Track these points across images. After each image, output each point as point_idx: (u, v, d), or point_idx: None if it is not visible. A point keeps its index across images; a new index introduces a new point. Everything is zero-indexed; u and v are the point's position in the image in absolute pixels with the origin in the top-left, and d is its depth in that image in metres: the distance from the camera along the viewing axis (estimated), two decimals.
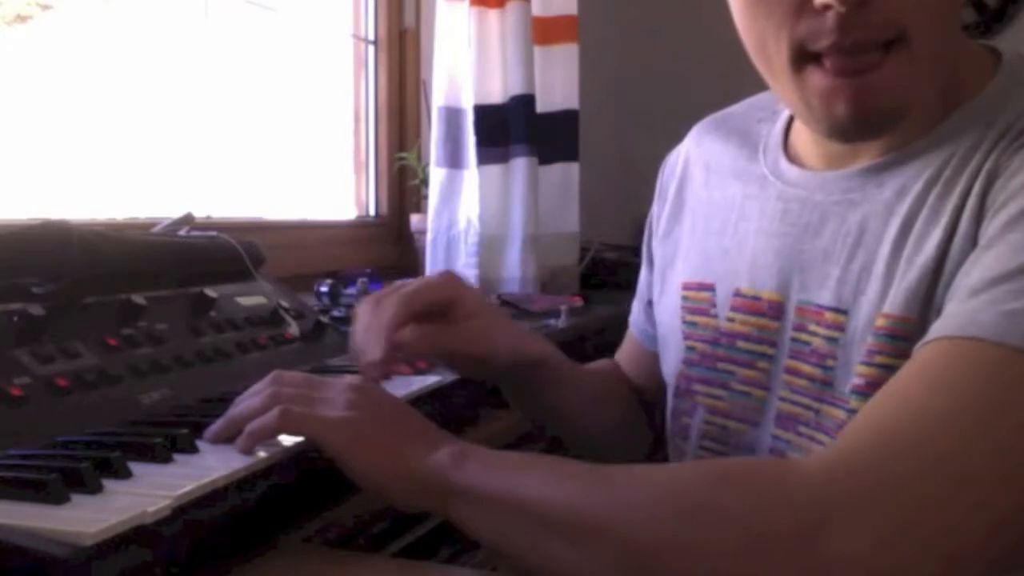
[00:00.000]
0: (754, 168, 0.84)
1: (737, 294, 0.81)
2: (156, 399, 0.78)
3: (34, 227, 0.84)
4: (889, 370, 0.66)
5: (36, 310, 0.76)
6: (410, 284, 0.81)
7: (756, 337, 0.79)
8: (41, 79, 1.35)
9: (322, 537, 0.77)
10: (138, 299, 0.86)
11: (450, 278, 0.84)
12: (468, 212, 1.74)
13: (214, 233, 1.10)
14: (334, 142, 2.05)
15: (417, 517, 0.99)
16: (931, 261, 0.67)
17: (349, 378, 0.73)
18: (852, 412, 0.70)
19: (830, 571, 0.51)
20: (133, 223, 1.35)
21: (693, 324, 0.85)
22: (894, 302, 0.68)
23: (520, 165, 1.73)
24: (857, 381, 0.70)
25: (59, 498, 0.54)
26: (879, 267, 0.71)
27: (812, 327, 0.75)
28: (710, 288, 0.84)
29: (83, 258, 0.84)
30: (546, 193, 1.81)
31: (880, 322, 0.69)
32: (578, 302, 1.51)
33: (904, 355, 0.64)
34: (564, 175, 1.86)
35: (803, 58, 0.68)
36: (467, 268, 1.73)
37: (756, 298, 0.79)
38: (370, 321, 0.78)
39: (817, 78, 0.68)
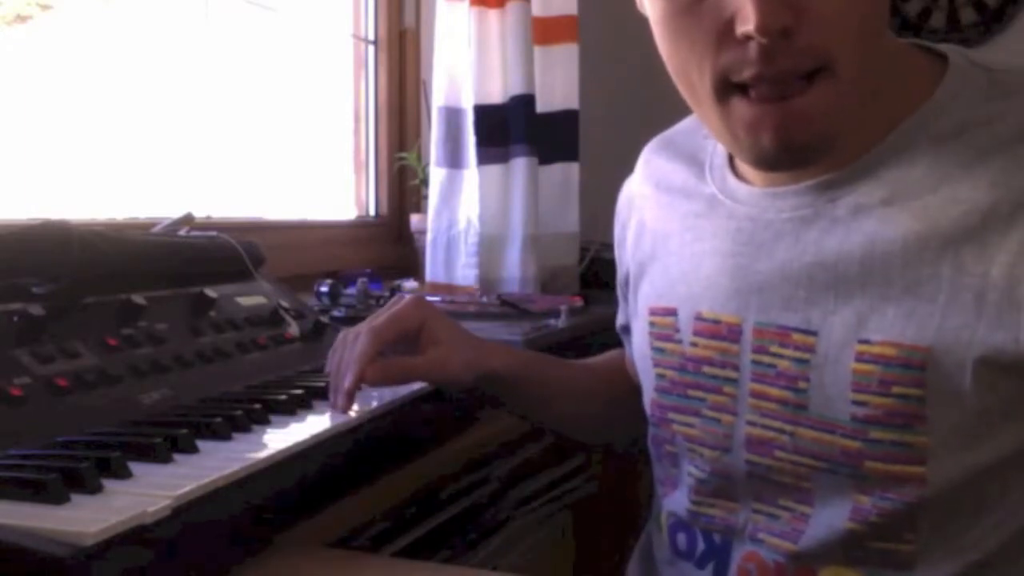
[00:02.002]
0: (703, 187, 0.83)
1: (698, 318, 0.80)
2: (156, 399, 0.78)
3: (34, 227, 0.84)
4: (917, 401, 0.66)
5: (36, 310, 0.76)
6: (380, 317, 0.86)
7: (719, 361, 0.78)
8: (41, 79, 1.34)
9: (322, 537, 0.77)
10: (138, 299, 0.86)
11: (417, 306, 0.88)
12: (468, 212, 1.74)
13: (214, 233, 1.10)
14: (334, 142, 2.05)
15: (418, 517, 0.99)
16: (957, 292, 0.65)
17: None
18: (871, 442, 0.69)
19: None
20: (133, 223, 1.35)
21: (661, 351, 0.84)
22: (893, 329, 0.67)
23: (520, 165, 1.73)
24: (871, 412, 0.68)
25: (59, 498, 0.54)
26: (850, 287, 0.69)
27: (775, 349, 0.74)
28: (673, 313, 0.82)
29: (83, 258, 0.84)
30: (546, 193, 1.81)
31: (891, 352, 0.67)
32: (578, 302, 1.51)
33: (921, 384, 0.65)
34: (564, 175, 1.86)
35: (727, 88, 0.67)
36: (467, 268, 1.73)
37: (716, 321, 0.78)
38: (343, 354, 0.83)
39: (742, 108, 0.67)
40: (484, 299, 1.50)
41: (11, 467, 0.59)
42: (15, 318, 0.75)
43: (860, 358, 0.69)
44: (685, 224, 0.83)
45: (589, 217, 1.84)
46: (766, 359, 0.74)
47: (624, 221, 0.95)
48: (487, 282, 1.71)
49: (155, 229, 1.16)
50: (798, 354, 0.72)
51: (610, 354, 1.06)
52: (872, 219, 0.69)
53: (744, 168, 0.79)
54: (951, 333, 0.65)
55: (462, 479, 1.09)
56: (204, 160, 1.61)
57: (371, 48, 2.11)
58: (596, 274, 1.89)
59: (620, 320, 1.00)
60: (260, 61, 1.77)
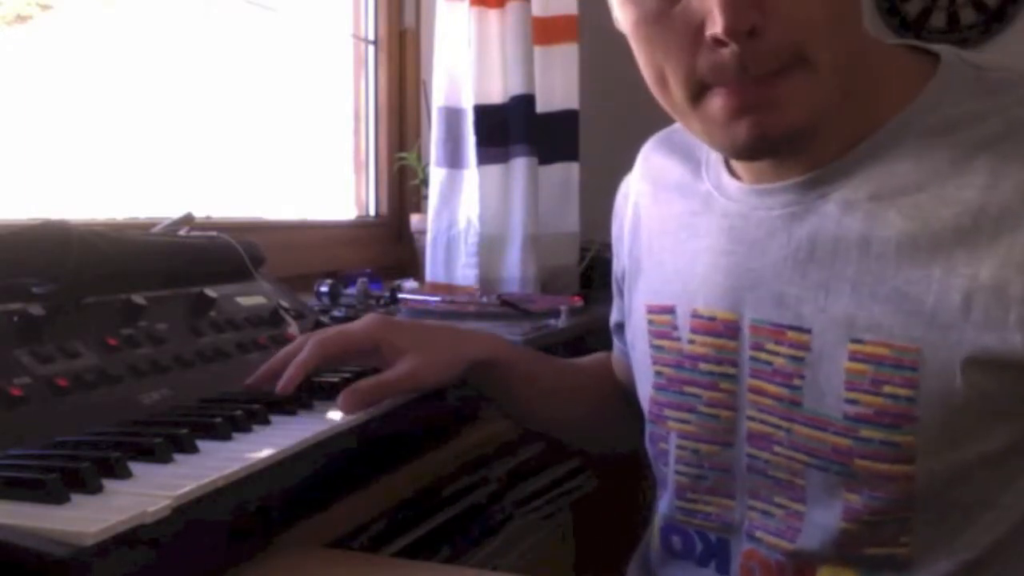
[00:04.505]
0: (698, 185, 0.83)
1: (695, 315, 0.80)
2: (156, 399, 0.78)
3: (34, 227, 0.84)
4: (907, 401, 0.66)
5: (36, 310, 0.76)
6: (330, 330, 0.86)
7: (716, 358, 0.78)
8: (41, 79, 1.34)
9: (322, 537, 0.77)
10: (138, 299, 0.86)
11: (373, 326, 0.88)
12: (468, 212, 1.74)
13: (214, 233, 1.10)
14: (334, 142, 2.05)
15: (418, 517, 0.99)
16: (947, 292, 0.65)
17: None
18: (861, 441, 0.69)
19: None
20: (133, 223, 1.35)
21: (660, 348, 0.84)
22: (884, 329, 0.67)
23: (520, 165, 1.73)
24: (862, 410, 0.69)
25: (59, 498, 0.54)
26: (842, 284, 0.70)
27: (771, 346, 0.74)
28: (671, 311, 0.83)
29: (83, 258, 0.84)
30: (546, 193, 1.80)
31: (884, 352, 0.68)
32: (578, 302, 1.51)
33: (914, 385, 0.65)
34: (564, 175, 1.86)
35: (702, 90, 0.68)
36: (467, 268, 1.73)
37: (712, 318, 0.78)
38: (287, 354, 0.84)
39: (716, 104, 0.67)
40: (484, 299, 1.50)
41: (11, 467, 0.58)
42: (15, 318, 0.75)
43: (854, 357, 0.69)
44: (681, 222, 0.84)
45: (589, 217, 1.84)
46: (763, 356, 0.75)
47: (621, 217, 0.96)
48: (487, 282, 1.71)
49: (155, 229, 1.16)
50: (793, 351, 0.73)
51: (596, 356, 1.07)
52: (861, 215, 0.70)
53: (736, 165, 0.80)
54: (940, 333, 0.65)
55: (462, 479, 1.09)
56: (204, 160, 1.61)
57: (371, 48, 2.11)
58: (596, 274, 1.89)
59: (614, 317, 1.01)
60: (260, 61, 1.77)
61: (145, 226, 1.19)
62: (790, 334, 0.73)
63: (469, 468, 1.11)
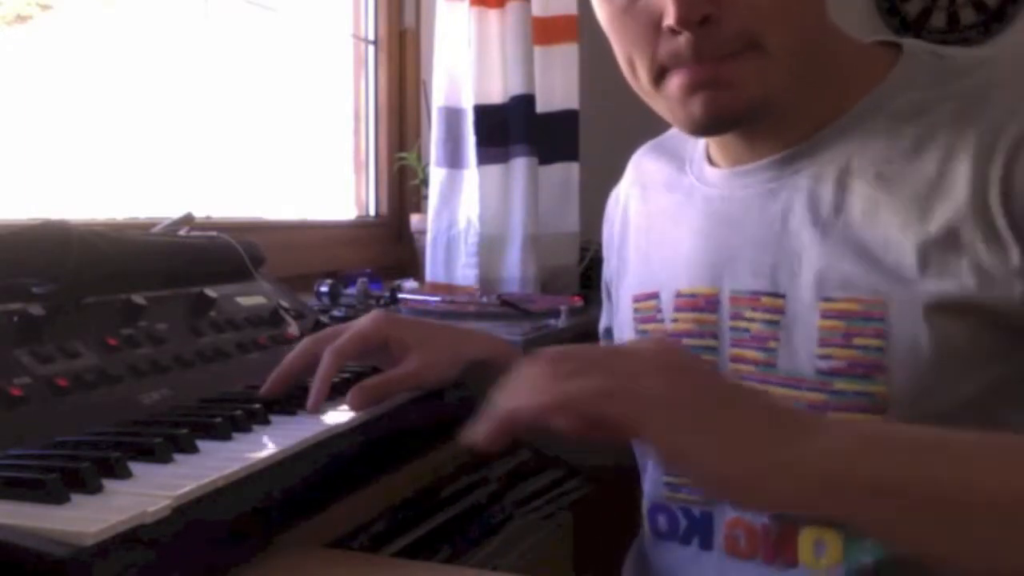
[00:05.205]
0: (682, 179, 0.88)
1: (678, 295, 0.84)
2: (156, 399, 0.78)
3: (34, 227, 0.84)
4: (877, 352, 0.70)
5: (36, 310, 0.76)
6: (342, 336, 0.85)
7: (698, 332, 0.82)
8: (41, 79, 1.34)
9: (322, 537, 0.77)
10: (138, 299, 0.86)
11: (379, 321, 0.87)
12: (468, 212, 1.74)
13: (214, 233, 1.10)
14: (334, 142, 2.05)
15: (418, 517, 0.99)
16: (905, 248, 0.70)
17: (653, 347, 0.61)
18: (835, 394, 0.72)
19: None
20: (133, 223, 1.35)
21: (644, 332, 0.87)
22: (853, 287, 0.71)
23: (520, 165, 1.73)
24: (835, 364, 0.72)
25: (59, 498, 0.54)
26: (812, 250, 0.74)
27: (748, 313, 0.78)
28: (655, 296, 0.87)
29: (83, 258, 0.84)
30: (546, 193, 1.80)
31: (854, 307, 0.71)
32: (578, 302, 1.51)
33: (882, 335, 0.69)
34: (564, 175, 1.86)
35: (663, 74, 0.74)
36: (467, 268, 1.73)
37: (693, 295, 0.83)
38: (293, 363, 0.82)
39: (675, 84, 0.73)
40: (484, 299, 1.50)
41: (11, 467, 0.58)
42: (15, 318, 0.75)
43: (825, 315, 0.73)
44: (667, 215, 0.89)
45: (589, 217, 1.84)
46: (742, 324, 0.79)
47: (611, 222, 1.00)
48: (487, 282, 1.71)
49: (155, 229, 1.16)
50: (768, 316, 0.77)
51: None
52: (831, 186, 0.75)
53: (715, 154, 0.85)
54: (902, 286, 0.70)
55: (462, 479, 1.09)
56: (204, 160, 1.61)
57: (371, 48, 2.11)
58: (596, 274, 1.89)
59: (603, 322, 1.03)
60: (260, 61, 1.77)
61: (145, 226, 1.19)
62: (764, 299, 0.77)
63: (469, 468, 1.11)
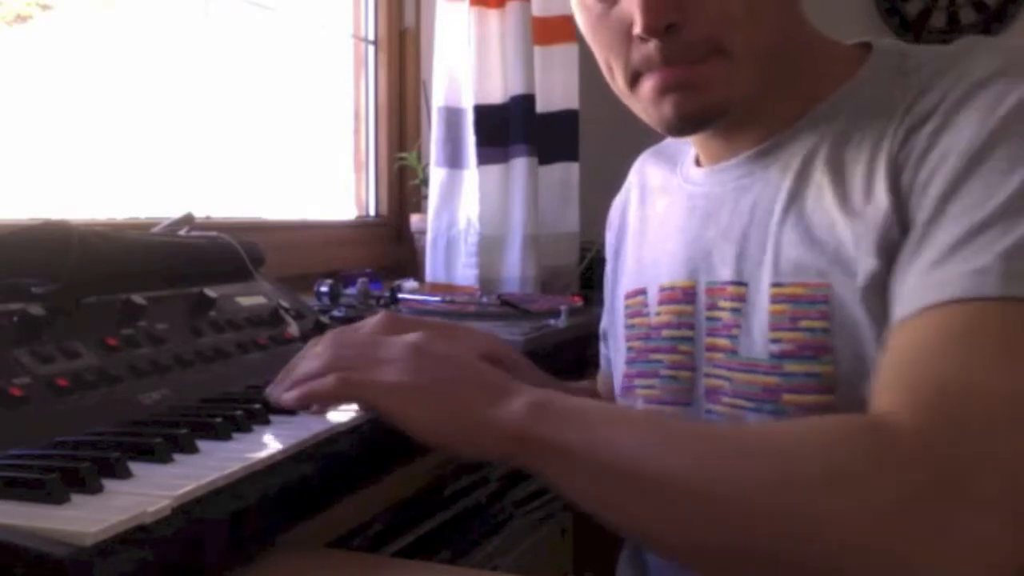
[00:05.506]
0: (673, 180, 0.93)
1: (661, 289, 0.87)
2: (156, 399, 0.78)
3: (34, 227, 0.84)
4: (823, 332, 0.72)
5: (36, 310, 0.76)
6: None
7: (676, 323, 0.85)
8: (41, 79, 1.35)
9: (322, 537, 0.77)
10: (138, 299, 0.86)
11: (389, 324, 0.87)
12: (468, 212, 1.74)
13: (214, 233, 1.10)
14: (334, 142, 2.05)
15: (418, 517, 0.99)
16: (843, 230, 0.72)
17: (410, 336, 0.74)
18: (786, 376, 0.74)
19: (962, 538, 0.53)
20: (133, 223, 1.35)
21: (632, 327, 0.91)
22: (800, 272, 0.74)
23: (520, 165, 1.73)
24: (785, 347, 0.75)
25: (59, 498, 0.54)
26: (771, 239, 0.77)
27: (721, 303, 0.81)
28: (643, 292, 0.90)
29: (83, 258, 0.84)
30: (546, 193, 1.81)
31: (800, 291, 0.74)
32: (578, 302, 1.51)
33: (827, 316, 0.72)
34: (564, 175, 1.86)
35: (637, 78, 0.78)
36: (467, 268, 1.73)
37: (672, 288, 0.86)
38: (308, 373, 0.80)
39: (647, 86, 0.78)
40: (484, 299, 1.50)
41: (11, 467, 0.58)
42: (15, 318, 0.75)
43: (775, 299, 0.76)
44: (659, 217, 0.93)
45: (589, 217, 1.84)
46: (716, 314, 0.82)
47: (612, 227, 1.03)
48: (487, 282, 1.71)
49: (155, 229, 1.16)
50: (733, 304, 0.80)
51: (582, 383, 1.10)
52: (793, 176, 0.78)
53: (699, 154, 0.89)
54: (841, 267, 0.72)
55: (462, 479, 1.09)
56: (204, 160, 1.61)
57: (371, 48, 2.11)
58: (596, 274, 1.89)
59: (603, 323, 1.06)
60: (260, 61, 1.77)
61: (145, 226, 1.19)
62: (730, 289, 0.80)
63: (469, 468, 1.11)
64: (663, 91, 0.76)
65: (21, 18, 1.33)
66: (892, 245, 0.68)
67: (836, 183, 0.74)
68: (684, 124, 0.79)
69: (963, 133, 0.67)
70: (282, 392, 0.72)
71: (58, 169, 1.36)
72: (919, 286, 0.63)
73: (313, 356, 0.75)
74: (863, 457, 0.57)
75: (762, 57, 0.76)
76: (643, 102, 0.79)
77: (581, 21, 0.82)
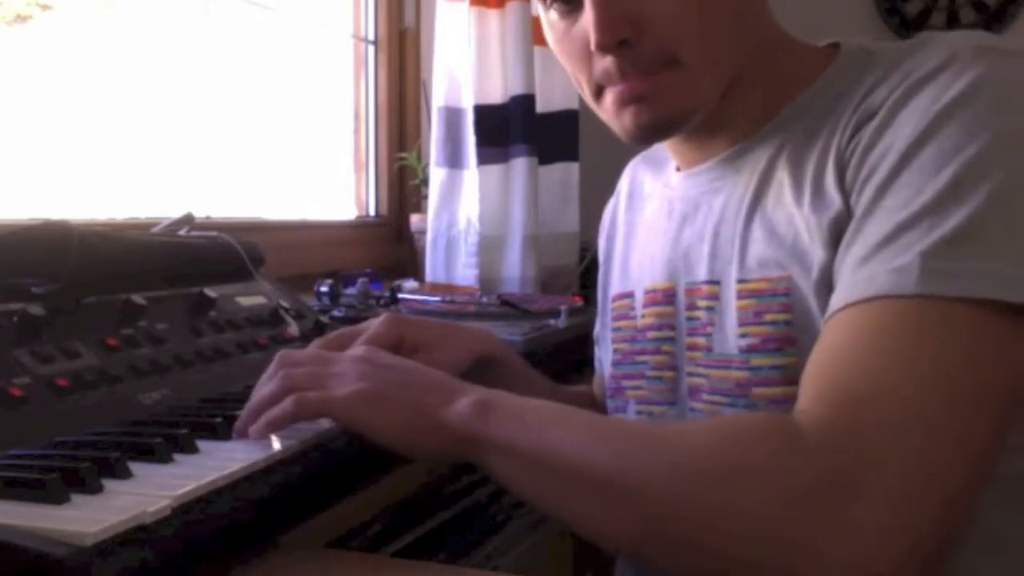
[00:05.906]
0: (657, 185, 0.95)
1: (646, 292, 0.89)
2: (156, 399, 0.78)
3: (34, 227, 0.84)
4: (786, 325, 0.74)
5: (36, 310, 0.76)
6: (358, 342, 0.85)
7: (658, 325, 0.87)
8: (41, 79, 1.35)
9: (322, 537, 0.77)
10: (138, 299, 0.86)
11: (391, 323, 0.89)
12: (468, 212, 1.74)
13: (214, 233, 1.10)
14: (334, 142, 2.05)
15: (417, 517, 0.99)
16: (799, 223, 0.73)
17: (356, 350, 0.77)
18: (754, 369, 0.76)
19: (859, 529, 0.55)
20: (133, 223, 1.35)
21: (619, 329, 0.93)
22: (763, 267, 0.76)
23: (520, 165, 1.73)
24: (752, 341, 0.76)
25: (59, 498, 0.54)
26: (738, 237, 0.79)
27: (699, 303, 0.83)
28: (630, 295, 0.93)
29: (83, 258, 0.84)
30: (546, 193, 1.81)
31: (763, 285, 0.76)
32: (578, 302, 1.51)
33: (788, 309, 0.73)
34: (564, 175, 1.86)
35: (600, 89, 0.80)
36: (467, 268, 1.73)
37: (655, 291, 0.88)
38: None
39: (608, 99, 0.80)
40: (484, 299, 1.50)
41: (11, 467, 0.58)
42: (15, 318, 0.75)
43: (740, 295, 0.78)
44: (645, 222, 0.95)
45: (589, 217, 1.84)
46: (695, 314, 0.83)
47: (604, 233, 1.05)
48: (487, 282, 1.71)
49: (155, 229, 1.16)
50: (708, 303, 0.81)
51: (579, 388, 1.11)
52: (759, 175, 0.79)
53: (677, 159, 0.91)
54: (798, 260, 0.73)
55: (462, 479, 1.09)
56: (204, 160, 1.61)
57: (371, 48, 2.11)
58: (596, 274, 1.89)
59: (597, 328, 1.06)
60: (260, 61, 1.77)
61: (145, 226, 1.19)
62: (705, 288, 0.82)
63: (469, 468, 1.10)
64: (622, 103, 0.78)
65: (21, 18, 1.33)
66: (840, 239, 0.70)
67: (794, 179, 0.75)
68: (644, 134, 0.81)
69: (902, 130, 0.68)
70: (244, 427, 0.72)
71: (58, 169, 1.36)
72: (849, 281, 0.65)
73: (265, 381, 0.75)
74: (761, 452, 0.59)
75: (720, 66, 0.78)
76: (606, 113, 0.81)
77: (549, 38, 0.85)
